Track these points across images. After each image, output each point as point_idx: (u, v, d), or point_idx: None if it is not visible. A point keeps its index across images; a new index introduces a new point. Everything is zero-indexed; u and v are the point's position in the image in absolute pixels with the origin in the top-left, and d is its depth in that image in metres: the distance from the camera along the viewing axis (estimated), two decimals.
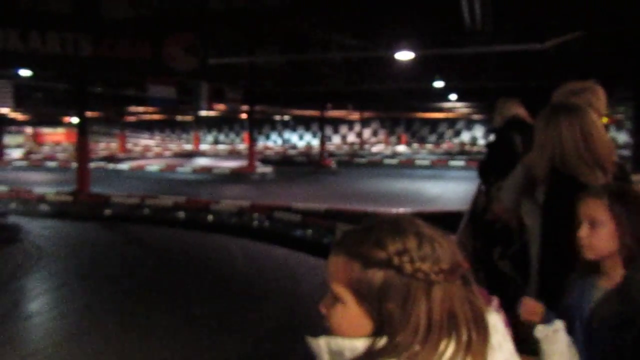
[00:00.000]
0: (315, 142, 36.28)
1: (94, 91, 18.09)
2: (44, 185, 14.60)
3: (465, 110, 31.46)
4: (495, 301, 0.88)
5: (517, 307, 1.37)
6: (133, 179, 18.62)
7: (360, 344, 0.78)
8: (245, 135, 35.24)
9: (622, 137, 28.09)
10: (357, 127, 37.57)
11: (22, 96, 17.67)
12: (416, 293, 0.77)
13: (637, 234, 1.33)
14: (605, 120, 2.17)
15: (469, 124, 38.29)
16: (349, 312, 0.80)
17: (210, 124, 42.17)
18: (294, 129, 42.07)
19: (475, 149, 32.15)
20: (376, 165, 23.08)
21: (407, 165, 22.47)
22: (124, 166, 21.92)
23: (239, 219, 10.03)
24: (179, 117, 38.95)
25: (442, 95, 22.09)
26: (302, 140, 41.65)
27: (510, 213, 2.14)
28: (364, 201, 12.10)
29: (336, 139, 40.45)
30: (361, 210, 9.98)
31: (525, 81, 14.13)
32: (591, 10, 8.79)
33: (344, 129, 40.77)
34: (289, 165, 23.85)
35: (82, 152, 12.90)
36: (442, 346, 0.76)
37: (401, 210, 9.85)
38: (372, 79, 17.29)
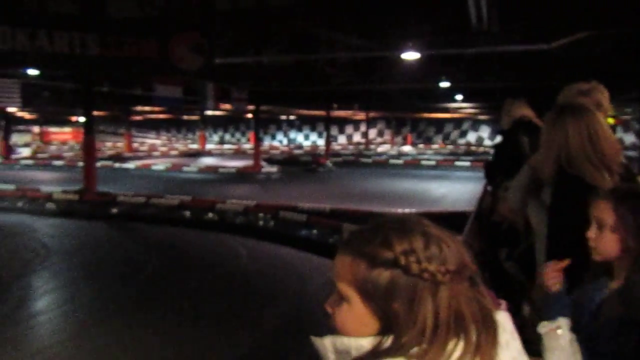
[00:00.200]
0: (321, 142, 36.28)
1: (101, 90, 18.18)
2: (51, 184, 14.68)
3: (471, 111, 31.38)
4: (503, 304, 0.88)
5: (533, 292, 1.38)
6: (139, 178, 18.69)
7: (366, 343, 0.78)
8: (251, 134, 35.27)
9: (629, 138, 27.95)
10: (362, 127, 37.54)
11: (29, 95, 17.77)
12: (422, 293, 0.77)
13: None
14: (611, 121, 2.17)
15: (475, 124, 38.21)
16: (355, 311, 0.80)
17: (216, 124, 42.28)
18: (299, 129, 42.10)
19: (481, 149, 32.08)
20: (382, 165, 23.05)
21: (412, 166, 22.43)
22: (130, 165, 21.98)
23: (245, 218, 10.04)
24: (185, 117, 39.08)
25: (448, 95, 22.05)
26: (308, 140, 41.67)
27: (517, 213, 2.14)
28: (369, 201, 12.10)
29: (342, 139, 40.45)
30: (367, 210, 9.98)
31: (531, 82, 14.09)
32: (598, 10, 8.76)
33: (349, 129, 40.76)
34: (295, 165, 23.85)
35: (89, 151, 12.96)
36: (450, 346, 0.76)
37: (407, 210, 9.84)
38: (378, 79, 17.27)
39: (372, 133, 39.23)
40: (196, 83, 16.01)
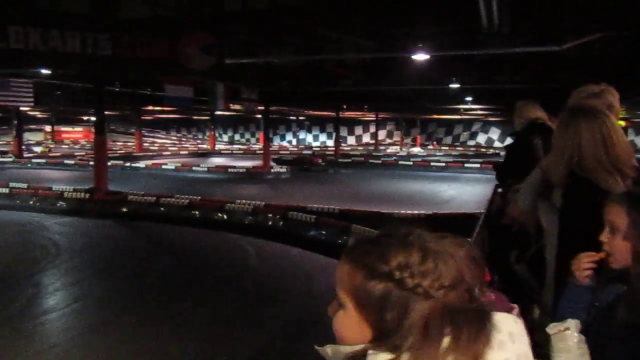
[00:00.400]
0: (330, 143, 36.28)
1: (112, 90, 18.30)
2: (62, 183, 14.79)
3: (481, 112, 31.23)
4: (516, 309, 0.89)
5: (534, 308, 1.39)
6: (149, 177, 18.78)
7: (359, 350, 0.82)
8: (260, 135, 35.35)
9: None
10: (372, 128, 37.49)
11: (41, 94, 17.92)
12: (415, 305, 0.79)
13: None
14: (622, 123, 2.15)
15: (485, 126, 38.05)
16: (350, 318, 0.84)
17: (225, 124, 42.43)
18: (309, 130, 42.12)
19: (491, 151, 31.93)
20: (391, 166, 23.00)
21: (422, 167, 22.37)
22: (141, 165, 22.10)
23: (254, 218, 10.06)
24: (195, 117, 39.24)
25: (458, 96, 21.97)
26: (317, 140, 41.69)
27: (527, 216, 2.13)
28: (378, 202, 12.08)
29: (351, 140, 40.43)
30: (376, 211, 9.97)
31: (542, 83, 14.00)
32: (609, 12, 8.69)
33: (359, 130, 40.74)
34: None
35: (100, 150, 13.04)
36: (440, 348, 0.77)
37: (416, 211, 9.82)
38: (388, 80, 17.24)
39: (382, 134, 39.17)
40: (206, 83, 16.06)
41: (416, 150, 33.30)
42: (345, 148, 33.74)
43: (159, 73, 13.77)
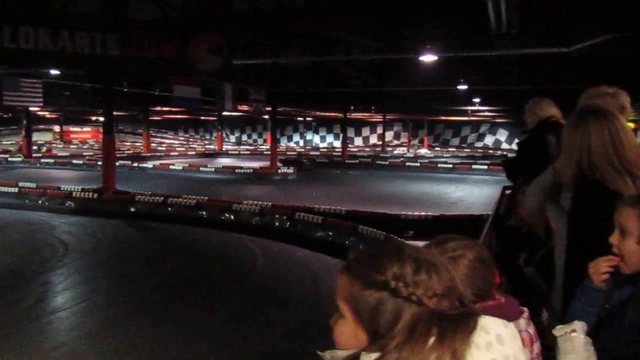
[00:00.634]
0: (338, 144, 36.28)
1: (121, 90, 18.40)
2: (70, 183, 14.87)
3: (489, 114, 31.14)
4: (526, 312, 0.93)
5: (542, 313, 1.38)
6: (157, 177, 18.86)
7: (354, 352, 0.89)
8: (267, 135, 35.38)
9: None
10: (379, 129, 37.45)
11: (50, 95, 18.05)
12: (407, 311, 0.86)
13: None
14: (632, 125, 2.14)
15: (493, 127, 37.91)
16: (348, 326, 0.90)
17: (233, 125, 42.52)
18: (316, 131, 42.13)
19: (498, 152, 31.81)
20: (398, 167, 22.97)
21: (429, 168, 22.33)
22: (149, 165, 22.19)
23: (261, 219, 10.07)
24: (203, 117, 39.37)
25: (466, 98, 21.92)
26: (324, 141, 41.69)
27: (535, 216, 2.11)
28: (385, 203, 12.07)
29: (358, 141, 40.40)
30: (383, 213, 9.96)
31: (551, 85, 13.95)
32: (619, 13, 8.64)
33: (366, 130, 40.70)
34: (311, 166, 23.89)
35: (108, 150, 13.10)
36: (427, 344, 0.83)
37: (423, 213, 9.81)
38: (396, 81, 17.24)
39: (389, 135, 39.12)
40: (214, 84, 16.12)
41: (423, 151, 33.23)
42: (352, 149, 33.73)
43: (167, 74, 13.83)
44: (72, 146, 37.54)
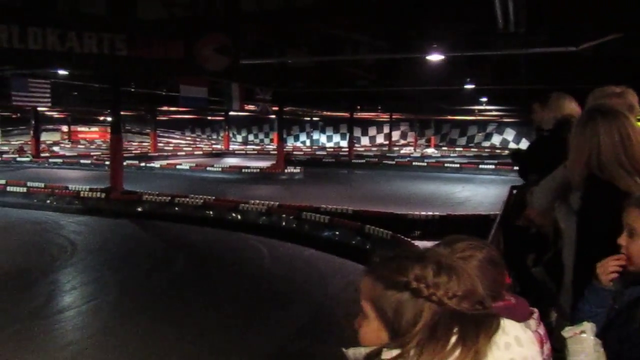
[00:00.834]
0: (344, 143, 36.25)
1: (128, 90, 18.47)
2: (78, 182, 14.95)
3: (496, 113, 31.03)
4: (536, 313, 0.96)
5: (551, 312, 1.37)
6: (164, 177, 18.92)
7: (376, 348, 0.92)
8: (274, 135, 35.40)
9: None
10: (386, 129, 37.40)
11: (59, 95, 18.13)
12: (427, 312, 0.90)
13: None
14: None
15: (500, 127, 37.78)
16: (371, 325, 0.95)
17: (240, 124, 42.59)
18: (322, 130, 42.13)
19: (506, 152, 31.69)
20: (405, 167, 22.94)
21: (436, 168, 22.27)
22: (156, 165, 22.27)
23: (267, 218, 10.09)
24: (210, 117, 39.46)
25: (473, 97, 21.84)
26: (331, 141, 41.68)
27: (544, 216, 2.10)
28: (392, 203, 12.05)
29: (365, 141, 40.36)
30: (389, 212, 9.95)
31: (559, 84, 13.87)
32: (628, 12, 8.58)
33: (372, 130, 40.66)
34: (318, 166, 23.91)
35: (116, 150, 13.16)
36: (449, 342, 0.86)
37: (430, 213, 9.78)
38: (402, 80, 17.20)
39: (396, 135, 39.06)
40: (221, 84, 16.15)
41: (430, 151, 33.15)
42: (359, 149, 33.70)
43: (174, 73, 13.87)
44: (79, 146, 37.74)
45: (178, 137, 43.98)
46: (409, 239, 7.74)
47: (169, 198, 11.45)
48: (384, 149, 34.62)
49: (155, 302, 6.28)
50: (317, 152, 32.82)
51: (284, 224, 9.78)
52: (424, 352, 0.85)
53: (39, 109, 22.35)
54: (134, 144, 37.52)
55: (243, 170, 20.35)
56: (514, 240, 2.89)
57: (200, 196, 11.42)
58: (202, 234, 9.98)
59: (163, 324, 5.49)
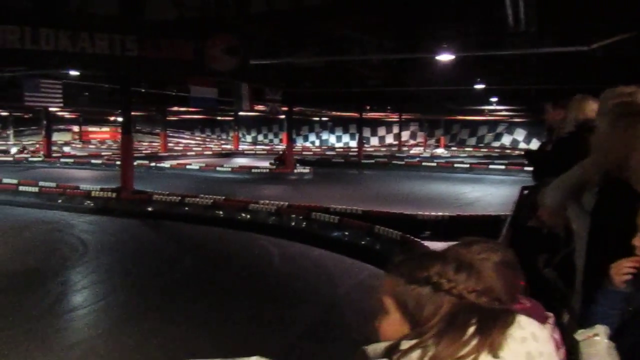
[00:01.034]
0: (353, 144, 36.23)
1: (138, 91, 18.57)
2: (89, 182, 15.06)
3: (506, 113, 30.86)
4: (552, 318, 0.97)
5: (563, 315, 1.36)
6: (174, 177, 19.01)
7: (395, 341, 0.94)
8: (283, 135, 35.45)
9: None
10: (395, 129, 37.32)
11: (70, 95, 18.27)
12: (446, 304, 0.93)
13: None
14: None
15: (510, 127, 37.58)
16: (392, 320, 0.99)
17: (249, 125, 42.69)
18: (332, 130, 42.13)
19: (516, 152, 31.51)
20: (414, 167, 22.88)
21: (445, 168, 22.20)
22: (166, 165, 22.38)
23: (277, 218, 10.10)
24: (219, 117, 39.59)
25: (483, 97, 21.74)
26: (340, 141, 41.67)
27: (556, 218, 2.08)
28: (401, 203, 12.03)
29: (374, 141, 40.31)
30: (399, 213, 9.93)
31: (570, 84, 13.76)
32: (639, 10, 8.49)
33: (382, 130, 40.61)
34: (327, 166, 23.92)
35: (126, 150, 13.24)
36: (466, 333, 0.89)
37: (439, 213, 9.75)
38: (411, 80, 17.15)
39: (405, 135, 38.96)
40: (231, 84, 16.19)
41: (440, 151, 33.04)
42: (368, 149, 33.66)
43: (184, 74, 13.93)
44: (90, 146, 38.00)
45: (188, 137, 44.16)
46: (418, 240, 7.71)
47: (179, 198, 11.50)
48: (394, 149, 34.55)
49: (165, 301, 6.31)
50: (327, 153, 32.81)
51: (293, 224, 9.78)
52: (441, 341, 0.88)
53: (50, 109, 22.54)
54: (144, 144, 37.73)
55: (252, 170, 20.40)
56: (525, 241, 2.86)
57: (210, 196, 11.46)
58: (212, 233, 10.02)
59: (173, 322, 5.52)
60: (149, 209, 11.56)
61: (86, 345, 5.00)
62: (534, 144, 32.29)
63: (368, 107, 27.60)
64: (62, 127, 40.31)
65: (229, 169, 20.74)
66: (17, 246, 8.83)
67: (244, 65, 10.32)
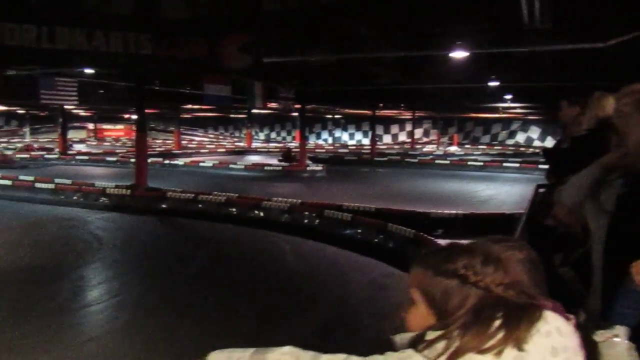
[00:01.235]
0: (366, 141, 36.17)
1: (153, 89, 18.69)
2: (104, 179, 15.20)
3: (520, 111, 30.61)
4: (573, 320, 0.97)
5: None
6: (188, 174, 19.11)
7: (421, 332, 0.96)
8: (296, 133, 35.48)
9: None
10: (408, 127, 37.19)
11: (85, 93, 18.44)
12: (473, 297, 0.94)
13: None
14: None
15: (525, 124, 37.27)
16: (419, 310, 1.00)
17: (262, 122, 42.80)
18: (345, 128, 42.09)
19: (530, 150, 31.25)
20: (428, 165, 22.79)
21: (459, 166, 22.07)
22: (179, 162, 22.51)
23: (290, 216, 10.12)
24: (232, 115, 39.72)
25: (497, 95, 21.58)
26: (353, 139, 41.61)
27: (573, 216, 2.06)
28: (415, 201, 11.99)
29: (387, 139, 40.21)
30: (412, 211, 9.89)
31: (585, 81, 13.61)
32: None
33: (395, 128, 40.49)
34: (340, 164, 23.91)
35: (141, 147, 13.33)
36: (492, 326, 0.89)
37: (452, 211, 9.71)
38: (425, 78, 17.07)
39: (418, 133, 38.81)
40: (244, 82, 16.24)
41: (453, 149, 32.87)
42: (381, 147, 33.58)
43: (198, 72, 13.99)
44: (105, 143, 38.33)
45: (201, 134, 44.38)
46: (431, 237, 7.68)
47: (193, 195, 11.57)
48: (407, 146, 34.42)
49: (179, 298, 6.35)
50: (339, 150, 32.80)
51: (306, 221, 9.79)
52: (467, 334, 0.88)
53: (66, 107, 22.77)
54: (158, 141, 37.97)
55: (265, 167, 20.45)
56: (541, 240, 2.83)
57: (223, 193, 11.50)
58: (225, 231, 10.06)
59: (186, 319, 5.55)
60: (163, 206, 11.64)
61: (101, 340, 5.05)
62: (549, 142, 32.00)
63: (381, 105, 27.53)
64: (77, 124, 40.71)
65: (242, 167, 20.81)
66: (33, 242, 8.94)
67: (257, 63, 10.36)
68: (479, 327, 0.89)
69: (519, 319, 0.89)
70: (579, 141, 2.97)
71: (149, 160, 15.28)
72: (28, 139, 36.12)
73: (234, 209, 10.86)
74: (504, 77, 16.19)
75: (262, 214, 10.49)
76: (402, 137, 39.62)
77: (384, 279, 7.02)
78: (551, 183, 3.10)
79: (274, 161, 22.67)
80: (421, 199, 13.07)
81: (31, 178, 13.85)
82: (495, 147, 34.79)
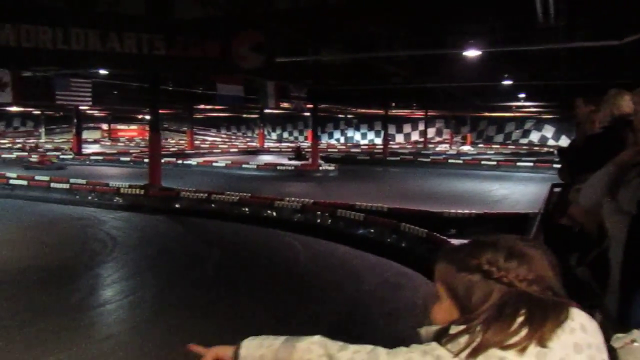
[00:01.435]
0: (379, 141, 36.09)
1: (166, 89, 18.83)
2: (118, 179, 15.33)
3: (534, 110, 30.36)
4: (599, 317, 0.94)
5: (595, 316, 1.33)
6: (201, 174, 19.20)
7: (445, 325, 0.97)
8: (308, 133, 35.50)
9: None
10: (421, 126, 37.05)
11: (99, 94, 18.61)
12: (496, 292, 0.94)
13: None
14: None
15: (539, 123, 36.96)
16: (444, 305, 1.01)
17: (274, 122, 42.88)
18: (357, 128, 42.03)
19: (544, 149, 30.99)
20: (440, 165, 22.68)
21: (472, 166, 21.94)
22: (192, 162, 22.63)
23: (302, 216, 10.13)
24: (245, 115, 39.85)
25: (511, 93, 21.43)
26: (365, 138, 41.54)
27: (589, 216, 2.04)
28: (427, 201, 11.94)
29: (399, 138, 40.09)
30: (425, 210, 9.86)
31: (600, 80, 13.47)
32: None
33: (407, 127, 40.36)
34: (352, 163, 23.88)
35: (154, 147, 13.42)
36: (515, 322, 0.89)
37: (466, 211, 9.65)
38: (438, 77, 17.01)
39: (431, 132, 38.65)
40: (257, 82, 16.29)
41: (466, 148, 32.68)
42: (393, 146, 33.49)
43: (211, 72, 14.06)
44: (119, 144, 38.65)
45: (214, 134, 44.58)
46: (444, 237, 7.65)
47: (206, 195, 11.62)
48: (419, 146, 34.28)
49: (192, 297, 6.38)
50: (352, 150, 32.76)
51: (318, 221, 9.80)
52: (489, 329, 0.88)
53: (80, 107, 22.99)
54: (171, 141, 38.20)
55: (278, 167, 20.49)
56: (557, 240, 2.80)
57: (236, 193, 11.54)
58: (238, 230, 10.10)
59: (200, 317, 5.58)
60: (177, 205, 11.71)
61: (117, 338, 5.09)
62: (563, 141, 31.71)
63: (393, 104, 27.46)
64: (91, 125, 41.10)
65: (255, 166, 20.87)
66: (49, 241, 9.04)
67: (270, 63, 10.37)
68: (501, 322, 0.89)
69: (544, 317, 0.89)
70: (594, 139, 2.93)
71: (163, 160, 15.37)
72: (43, 139, 36.52)
73: (247, 209, 10.90)
74: (518, 76, 16.09)
75: (274, 213, 10.51)
76: (415, 136, 39.48)
77: (397, 279, 7.01)
78: (565, 182, 3.07)
79: (286, 161, 22.69)
80: (434, 198, 13.01)
81: (47, 178, 14.01)
82: (509, 146, 34.54)
